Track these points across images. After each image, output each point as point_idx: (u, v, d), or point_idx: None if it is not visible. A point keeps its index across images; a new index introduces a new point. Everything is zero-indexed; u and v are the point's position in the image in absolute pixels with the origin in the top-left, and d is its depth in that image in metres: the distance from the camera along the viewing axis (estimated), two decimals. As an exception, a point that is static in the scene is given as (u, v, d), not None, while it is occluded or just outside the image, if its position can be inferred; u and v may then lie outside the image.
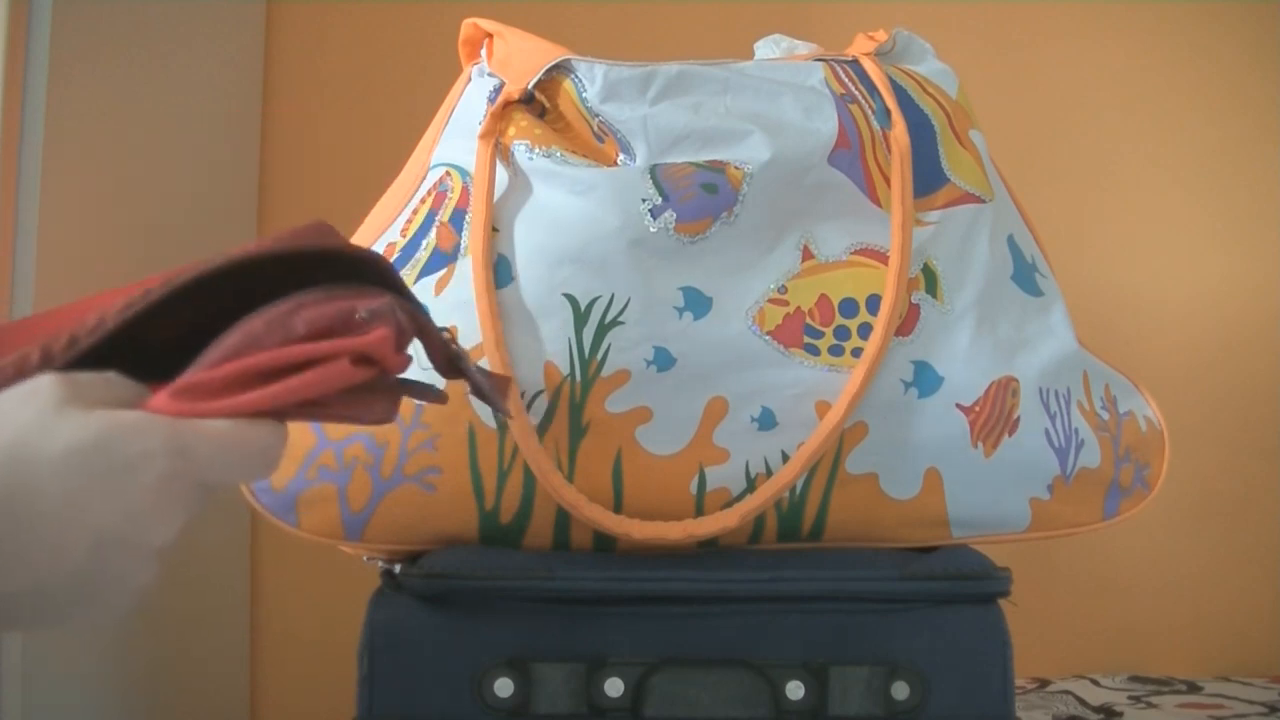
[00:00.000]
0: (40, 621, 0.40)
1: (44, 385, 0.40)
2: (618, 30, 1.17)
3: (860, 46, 0.75)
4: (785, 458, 0.64)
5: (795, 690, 0.61)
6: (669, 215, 0.64)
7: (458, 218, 0.67)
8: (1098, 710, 0.92)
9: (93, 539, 0.39)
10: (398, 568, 0.64)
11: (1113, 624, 1.15)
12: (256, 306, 0.44)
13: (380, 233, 0.70)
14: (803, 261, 0.66)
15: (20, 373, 0.42)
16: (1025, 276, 0.71)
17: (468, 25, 0.73)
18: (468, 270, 0.64)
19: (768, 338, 0.65)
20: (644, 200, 0.64)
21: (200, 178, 1.04)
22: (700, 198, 0.64)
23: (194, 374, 0.42)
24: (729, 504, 0.64)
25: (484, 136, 0.67)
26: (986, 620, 0.63)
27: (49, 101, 0.77)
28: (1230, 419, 1.15)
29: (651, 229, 0.64)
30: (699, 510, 0.64)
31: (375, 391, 0.47)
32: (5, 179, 0.75)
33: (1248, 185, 1.18)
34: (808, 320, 0.65)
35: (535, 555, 0.64)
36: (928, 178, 0.69)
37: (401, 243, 0.68)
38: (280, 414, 0.43)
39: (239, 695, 1.12)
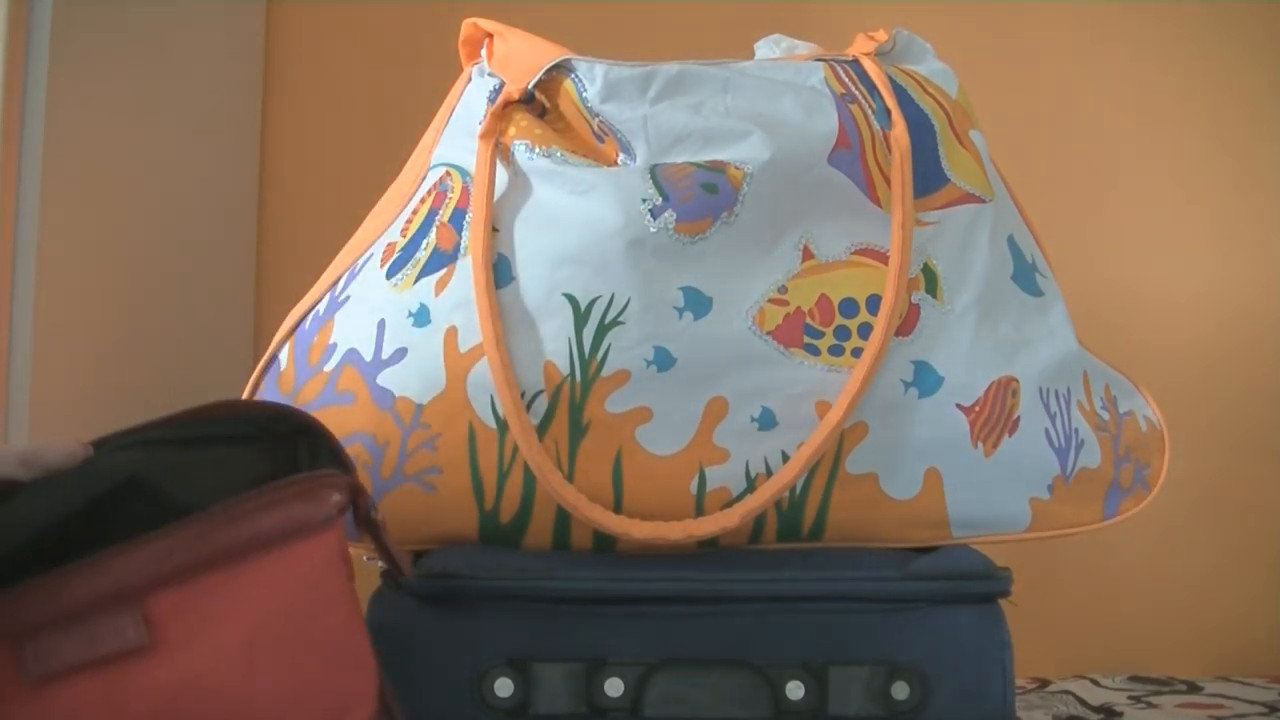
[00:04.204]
0: None
1: None
2: (618, 30, 1.16)
3: (860, 46, 0.75)
4: (785, 458, 0.64)
5: (795, 690, 0.61)
6: (669, 215, 0.64)
7: (458, 217, 0.67)
8: (1098, 710, 0.91)
9: None
10: (398, 568, 0.64)
11: (1113, 624, 1.15)
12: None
13: (380, 233, 0.70)
14: (803, 261, 0.66)
15: None
16: (1025, 276, 0.71)
17: (468, 25, 0.73)
18: (468, 270, 0.64)
19: (768, 338, 0.65)
20: (644, 200, 0.64)
21: (200, 178, 1.04)
22: (700, 198, 0.64)
23: None
24: (729, 504, 0.64)
25: (484, 136, 0.67)
26: (986, 620, 0.63)
27: (49, 101, 0.77)
28: (1230, 419, 1.15)
29: (651, 229, 0.64)
30: (699, 510, 0.64)
31: None
32: (5, 179, 0.75)
33: (1248, 185, 1.17)
34: (808, 320, 0.65)
35: (535, 555, 0.64)
36: (928, 178, 0.69)
37: (401, 243, 0.68)
38: None
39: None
